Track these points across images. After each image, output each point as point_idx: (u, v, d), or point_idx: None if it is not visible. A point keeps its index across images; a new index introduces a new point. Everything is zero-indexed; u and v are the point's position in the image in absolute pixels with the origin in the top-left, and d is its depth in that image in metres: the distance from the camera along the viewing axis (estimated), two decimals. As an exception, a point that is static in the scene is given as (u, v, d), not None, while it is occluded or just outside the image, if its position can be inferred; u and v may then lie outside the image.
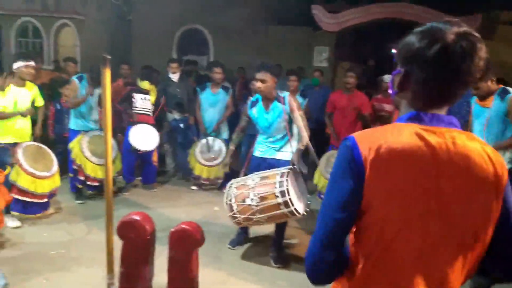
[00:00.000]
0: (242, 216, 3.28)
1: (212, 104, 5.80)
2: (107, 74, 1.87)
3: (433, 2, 8.59)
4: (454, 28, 1.03)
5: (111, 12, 11.46)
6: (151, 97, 5.72)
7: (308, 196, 3.79)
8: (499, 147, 3.44)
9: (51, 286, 3.22)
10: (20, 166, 4.12)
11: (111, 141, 2.56)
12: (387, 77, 5.73)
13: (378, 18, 8.87)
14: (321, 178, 5.08)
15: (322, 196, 4.89)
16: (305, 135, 3.63)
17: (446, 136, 1.05)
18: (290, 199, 3.15)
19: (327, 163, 5.03)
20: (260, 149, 3.93)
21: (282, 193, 3.16)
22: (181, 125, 6.20)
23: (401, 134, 1.05)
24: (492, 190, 1.03)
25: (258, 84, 3.64)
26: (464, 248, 1.04)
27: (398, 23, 8.95)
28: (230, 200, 3.33)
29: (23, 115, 4.28)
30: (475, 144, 1.06)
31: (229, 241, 4.13)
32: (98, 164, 4.92)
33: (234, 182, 3.50)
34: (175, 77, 6.21)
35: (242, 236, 4.17)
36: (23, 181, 4.12)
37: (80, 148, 4.90)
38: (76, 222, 4.54)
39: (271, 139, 3.86)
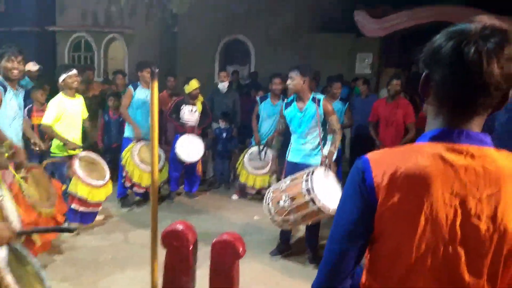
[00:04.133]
0: (280, 218, 3.40)
1: (270, 114, 5.82)
2: (155, 87, 1.92)
3: (488, 5, 8.20)
4: (477, 25, 0.92)
5: (158, 25, 11.86)
6: (198, 108, 5.80)
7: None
8: None
9: (99, 292, 3.34)
10: (77, 177, 4.31)
11: (157, 150, 2.63)
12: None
13: (425, 22, 8.58)
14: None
15: None
16: (338, 137, 3.83)
17: (475, 157, 0.93)
18: (316, 195, 3.24)
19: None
20: (293, 154, 3.99)
21: (308, 191, 3.26)
22: (224, 135, 6.28)
23: (420, 157, 0.94)
24: None
25: (288, 81, 3.82)
26: (494, 279, 0.93)
27: (446, 26, 8.62)
28: (269, 204, 3.48)
29: (66, 145, 4.37)
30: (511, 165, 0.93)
31: (269, 250, 4.13)
32: (145, 171, 5.06)
33: (272, 187, 3.70)
34: (223, 86, 6.31)
35: (282, 247, 4.15)
36: (82, 191, 4.29)
37: (130, 155, 5.07)
38: (122, 229, 4.69)
39: (302, 141, 3.92)
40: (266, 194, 3.60)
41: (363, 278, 1.05)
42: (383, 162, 0.97)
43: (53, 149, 4.49)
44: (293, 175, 3.57)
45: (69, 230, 2.62)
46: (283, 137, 4.21)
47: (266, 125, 5.86)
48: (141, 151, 5.13)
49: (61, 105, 4.38)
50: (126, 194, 5.32)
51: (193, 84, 5.66)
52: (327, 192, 3.39)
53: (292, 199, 3.32)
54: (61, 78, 4.41)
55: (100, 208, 4.60)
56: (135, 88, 5.26)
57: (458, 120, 0.96)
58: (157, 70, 2.00)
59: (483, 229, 0.91)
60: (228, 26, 10.92)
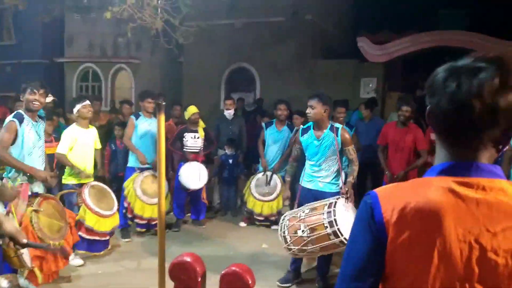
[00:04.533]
0: (296, 247, 3.33)
1: (276, 140, 5.84)
2: (162, 119, 1.93)
3: (487, 31, 8.31)
4: (471, 58, 0.92)
5: (163, 55, 12.12)
6: (200, 135, 5.83)
7: None
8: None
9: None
10: (86, 206, 4.32)
11: (164, 182, 2.63)
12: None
13: (428, 47, 8.69)
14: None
15: None
16: (356, 168, 3.80)
17: (486, 190, 0.90)
18: (338, 229, 3.16)
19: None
20: (306, 179, 3.93)
21: (331, 224, 3.19)
22: (230, 161, 6.29)
23: (430, 191, 0.91)
24: None
25: (308, 110, 3.76)
26: None
27: (447, 50, 8.72)
28: (284, 232, 3.40)
29: (79, 175, 4.44)
30: None
31: (278, 278, 4.05)
32: (147, 203, 5.04)
33: (287, 214, 3.60)
34: (229, 113, 6.37)
35: (292, 275, 4.08)
36: (89, 220, 4.30)
37: (133, 186, 5.07)
38: (129, 258, 4.64)
39: (317, 169, 3.86)
40: (281, 221, 3.53)
41: None
42: (392, 197, 0.95)
43: (65, 176, 4.54)
44: (311, 203, 3.50)
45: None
46: (297, 163, 4.17)
47: (271, 151, 5.87)
48: (144, 182, 5.13)
49: (74, 136, 4.47)
50: (128, 225, 5.27)
51: (191, 109, 5.72)
52: (349, 224, 3.32)
53: (312, 229, 3.25)
54: (75, 109, 4.52)
55: (108, 237, 4.57)
56: (137, 118, 5.31)
57: (466, 152, 0.94)
58: (164, 103, 2.02)
59: (501, 264, 0.87)
60: (233, 55, 11.12)
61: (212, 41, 10.71)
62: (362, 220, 0.98)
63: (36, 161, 3.76)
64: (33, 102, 3.68)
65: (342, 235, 3.16)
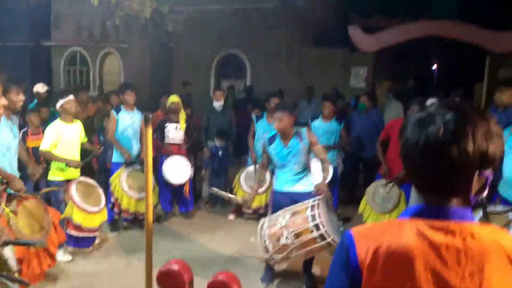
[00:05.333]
0: (280, 256, 3.23)
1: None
2: (149, 133, 1.93)
3: (477, 19, 8.31)
4: (444, 110, 0.95)
5: (153, 40, 11.92)
6: (181, 126, 5.72)
7: (339, 223, 3.72)
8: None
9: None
10: (73, 202, 4.30)
11: (152, 183, 2.64)
12: (430, 101, 5.53)
13: (418, 37, 8.67)
14: (367, 208, 4.87)
15: None
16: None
17: (455, 234, 0.93)
18: (326, 231, 3.13)
19: (374, 192, 4.83)
20: (281, 183, 3.93)
21: (317, 227, 3.14)
22: (220, 153, 6.29)
23: (402, 234, 0.95)
24: None
25: (276, 124, 3.77)
26: None
27: (437, 40, 8.72)
28: (265, 242, 3.28)
29: (68, 164, 4.42)
30: (497, 240, 0.94)
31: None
32: (133, 198, 5.04)
33: (265, 222, 3.43)
34: (219, 104, 6.33)
35: (270, 273, 4.10)
36: (77, 217, 4.28)
37: (119, 181, 5.06)
38: (116, 254, 4.66)
39: (290, 174, 3.88)
40: (259, 230, 3.41)
41: None
42: (367, 239, 0.98)
43: (51, 173, 4.49)
44: (290, 208, 3.43)
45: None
46: (266, 169, 4.20)
47: (262, 144, 5.87)
48: (130, 177, 5.10)
49: (58, 131, 4.40)
50: (116, 218, 5.27)
51: (172, 98, 5.68)
52: (333, 224, 3.31)
53: (297, 235, 3.15)
54: (58, 104, 4.44)
55: (97, 233, 4.58)
56: (118, 112, 5.20)
57: (437, 197, 0.97)
58: (150, 115, 2.01)
59: None
60: (223, 41, 11.01)
61: (202, 28, 10.57)
62: (339, 260, 1.01)
63: (11, 162, 3.67)
64: (19, 103, 3.62)
65: (329, 236, 3.13)
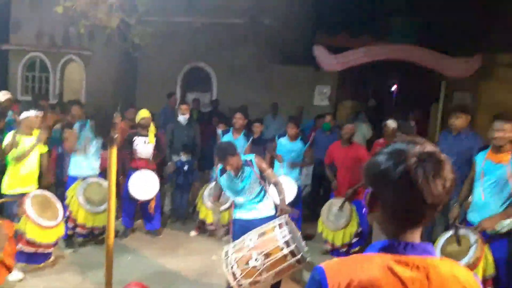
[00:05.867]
0: (249, 280, 3.10)
1: None
2: (113, 153, 1.89)
3: (435, 44, 8.76)
4: (417, 149, 1.02)
5: (118, 48, 11.69)
6: (150, 140, 5.63)
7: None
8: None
9: None
10: (27, 217, 4.11)
11: (114, 201, 2.58)
12: (390, 122, 5.75)
13: (380, 59, 9.02)
14: (324, 227, 5.00)
15: (328, 243, 4.95)
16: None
17: (420, 268, 1.01)
18: (296, 246, 3.11)
19: (328, 211, 4.99)
20: (241, 211, 3.98)
21: (287, 243, 3.10)
22: (185, 167, 6.21)
23: (372, 269, 1.01)
24: None
25: (228, 168, 3.83)
26: None
27: (399, 63, 9.11)
28: (232, 268, 3.14)
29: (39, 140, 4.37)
30: (454, 274, 1.03)
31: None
32: (91, 212, 4.89)
33: (229, 248, 3.31)
34: (184, 118, 6.27)
35: None
36: (30, 232, 4.09)
37: (76, 194, 4.89)
38: (72, 271, 4.48)
39: (246, 202, 3.94)
40: (224, 258, 3.26)
41: None
42: (338, 274, 1.03)
43: (4, 188, 4.31)
44: (255, 230, 3.36)
45: None
46: (219, 201, 4.24)
47: None
48: (87, 191, 4.95)
49: (14, 143, 4.26)
50: (69, 233, 5.06)
51: (142, 113, 5.63)
52: (299, 241, 3.31)
53: (267, 255, 3.08)
54: (23, 115, 4.38)
55: (52, 249, 4.39)
56: (81, 129, 5.23)
57: (404, 233, 1.06)
58: (116, 136, 1.98)
59: None
60: (190, 54, 10.96)
61: (169, 39, 10.49)
62: None
63: None
64: None
65: (299, 252, 3.12)
